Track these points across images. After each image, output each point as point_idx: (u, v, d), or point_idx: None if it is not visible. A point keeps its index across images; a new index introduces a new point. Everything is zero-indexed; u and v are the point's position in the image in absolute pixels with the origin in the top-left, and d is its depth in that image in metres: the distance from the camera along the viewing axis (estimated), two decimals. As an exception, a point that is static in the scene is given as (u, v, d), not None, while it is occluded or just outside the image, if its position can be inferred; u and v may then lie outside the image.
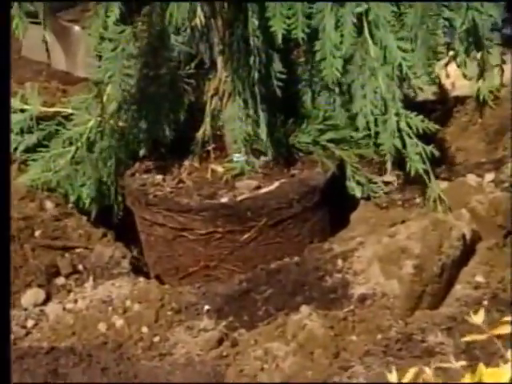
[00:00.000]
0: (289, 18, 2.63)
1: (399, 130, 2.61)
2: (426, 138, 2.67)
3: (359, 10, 2.60)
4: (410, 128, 2.60)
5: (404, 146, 2.61)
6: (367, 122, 2.63)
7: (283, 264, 2.54)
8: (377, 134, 2.64)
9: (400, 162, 2.69)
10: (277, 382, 2.10)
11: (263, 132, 2.72)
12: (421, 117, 2.62)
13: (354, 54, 2.62)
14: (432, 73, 2.74)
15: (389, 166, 2.67)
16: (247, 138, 2.76)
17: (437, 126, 2.64)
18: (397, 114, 2.61)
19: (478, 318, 1.33)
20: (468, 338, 1.37)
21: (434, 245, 2.32)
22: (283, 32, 2.60)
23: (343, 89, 2.74)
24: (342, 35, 2.61)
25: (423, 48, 2.68)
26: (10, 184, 2.63)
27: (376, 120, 2.62)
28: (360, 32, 2.62)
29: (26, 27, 2.91)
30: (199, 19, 2.64)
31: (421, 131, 2.61)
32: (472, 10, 2.70)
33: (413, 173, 2.62)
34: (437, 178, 2.79)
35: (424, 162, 2.61)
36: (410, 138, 2.61)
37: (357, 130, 2.74)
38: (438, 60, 2.81)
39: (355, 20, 2.59)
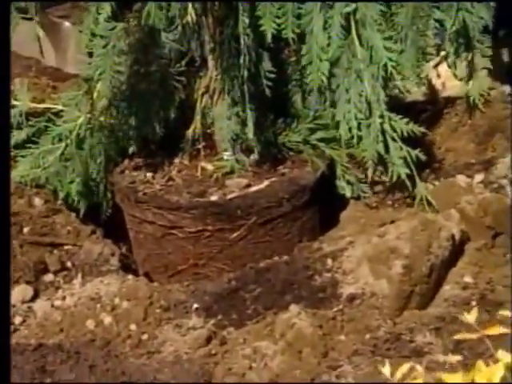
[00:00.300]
0: (279, 17, 2.63)
1: (383, 133, 2.61)
2: (414, 139, 2.67)
3: (348, 9, 2.60)
4: (395, 131, 2.60)
5: (387, 150, 2.61)
6: (349, 128, 2.62)
7: (272, 263, 2.54)
8: (360, 138, 2.63)
9: (386, 163, 2.69)
10: (265, 382, 2.10)
11: (250, 131, 2.73)
12: (405, 120, 2.61)
13: (340, 57, 2.62)
14: (421, 73, 2.75)
15: (370, 172, 2.67)
16: (235, 136, 2.76)
17: (422, 129, 2.63)
18: (381, 117, 2.60)
19: (471, 317, 1.33)
20: (459, 337, 1.38)
21: (423, 245, 2.33)
22: (273, 31, 2.60)
23: (331, 90, 2.74)
24: (329, 37, 2.61)
25: (413, 49, 2.68)
26: (10, 180, 2.63)
27: (359, 124, 2.62)
28: (347, 33, 2.62)
29: (17, 22, 2.90)
30: (190, 17, 2.64)
31: (405, 134, 2.60)
32: (462, 11, 2.71)
33: (395, 178, 2.62)
34: (426, 178, 2.80)
35: (408, 166, 2.60)
36: (394, 141, 2.60)
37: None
38: (428, 61, 2.81)
39: (343, 21, 2.59)
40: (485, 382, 1.27)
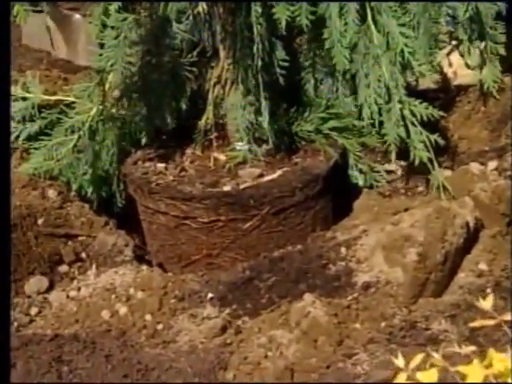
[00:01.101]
0: (292, 4, 2.62)
1: (403, 118, 2.61)
2: (429, 126, 2.67)
3: (362, -4, 2.60)
4: (414, 116, 2.60)
5: (408, 134, 2.61)
6: (371, 113, 2.63)
7: (286, 252, 2.54)
8: (381, 123, 2.64)
9: (402, 150, 2.69)
10: (281, 370, 2.10)
11: (265, 120, 2.72)
12: (425, 104, 2.62)
13: (357, 43, 2.62)
14: (434, 61, 2.74)
15: (393, 156, 2.67)
16: (249, 126, 2.76)
17: (441, 113, 2.65)
18: (400, 102, 2.61)
19: (487, 303, 1.32)
20: (476, 324, 1.37)
21: (438, 233, 2.32)
22: (287, 19, 2.59)
23: (346, 77, 2.74)
24: (345, 23, 2.60)
25: (425, 36, 2.68)
26: (10, 172, 2.64)
27: (380, 109, 2.62)
28: (363, 19, 2.61)
29: (28, 14, 2.90)
30: (202, 7, 2.64)
31: (425, 118, 2.60)
32: (476, -3, 2.70)
33: (417, 162, 2.62)
34: (440, 166, 2.79)
35: (428, 151, 2.61)
36: (414, 126, 2.61)
37: (359, 118, 2.74)
38: (440, 49, 2.80)
39: (358, 7, 2.59)
40: (502, 369, 1.26)
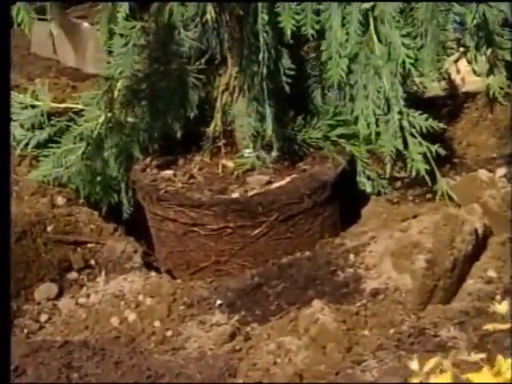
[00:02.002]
0: (298, 13, 2.63)
1: (402, 129, 2.60)
2: (436, 134, 2.67)
3: (366, 6, 2.60)
4: (413, 127, 2.60)
5: (406, 146, 2.60)
6: (368, 124, 2.62)
7: (295, 259, 2.54)
8: (378, 134, 2.63)
9: (406, 159, 2.68)
10: (290, 377, 2.11)
11: (269, 127, 2.73)
12: (424, 116, 2.61)
13: (358, 53, 2.62)
14: (441, 68, 2.74)
15: (388, 168, 2.66)
16: (255, 133, 2.77)
17: (441, 125, 2.62)
18: (399, 113, 2.60)
19: (502, 308, 1.32)
20: (489, 327, 1.37)
21: (446, 239, 2.32)
22: (292, 28, 2.60)
23: (350, 86, 2.73)
24: (347, 33, 2.61)
25: (433, 43, 2.68)
26: (10, 176, 2.65)
27: (377, 120, 2.61)
28: (366, 30, 2.62)
29: (32, 22, 2.92)
30: (210, 15, 2.65)
31: (424, 130, 2.59)
32: (482, 4, 2.70)
33: (413, 174, 2.61)
34: (448, 173, 2.79)
35: (428, 162, 2.60)
36: (414, 137, 2.60)
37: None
38: (448, 56, 2.80)
39: (361, 17, 2.59)
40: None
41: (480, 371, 1.31)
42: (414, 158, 2.60)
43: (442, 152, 2.62)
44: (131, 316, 2.39)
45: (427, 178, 2.61)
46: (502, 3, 2.68)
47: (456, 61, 2.98)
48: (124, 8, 2.91)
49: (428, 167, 2.60)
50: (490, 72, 2.86)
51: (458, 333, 2.15)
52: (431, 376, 1.32)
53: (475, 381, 1.28)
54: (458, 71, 3.04)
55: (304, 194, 2.69)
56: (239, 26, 2.73)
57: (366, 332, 2.21)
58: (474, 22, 2.68)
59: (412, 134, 2.60)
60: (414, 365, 1.27)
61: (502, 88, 2.85)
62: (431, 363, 1.26)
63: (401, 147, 2.60)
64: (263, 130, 2.76)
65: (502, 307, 1.31)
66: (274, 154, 2.79)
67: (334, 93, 2.83)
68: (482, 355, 1.38)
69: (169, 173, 2.86)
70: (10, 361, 1.95)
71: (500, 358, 1.30)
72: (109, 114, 2.93)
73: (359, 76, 2.63)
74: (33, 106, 3.08)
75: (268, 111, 2.73)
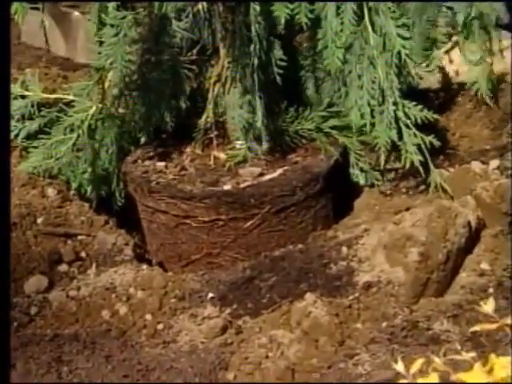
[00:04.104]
0: (291, 2, 2.61)
1: (396, 119, 2.58)
2: (429, 126, 2.65)
3: (360, -4, 2.58)
4: (408, 118, 2.58)
5: (400, 137, 2.59)
6: (362, 115, 2.60)
7: (287, 251, 2.53)
8: (373, 125, 2.61)
9: (400, 150, 2.67)
10: (282, 371, 2.09)
11: (258, 119, 2.71)
12: (419, 106, 2.59)
13: (353, 43, 2.60)
14: (432, 60, 2.72)
15: (382, 159, 2.64)
16: (246, 125, 2.74)
17: (436, 116, 2.61)
18: (394, 104, 2.58)
19: (489, 307, 1.31)
20: (477, 328, 1.35)
21: (440, 232, 2.31)
22: (286, 17, 2.58)
23: (344, 76, 2.72)
24: (342, 23, 2.59)
25: (420, 37, 2.66)
26: (10, 171, 2.63)
27: (372, 111, 2.60)
28: (360, 19, 2.59)
29: (26, 12, 2.89)
30: (201, 5, 2.63)
31: (419, 121, 2.58)
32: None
33: (407, 165, 2.60)
34: (441, 165, 2.78)
35: (422, 153, 2.58)
36: (408, 128, 2.58)
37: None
38: (439, 49, 2.79)
39: (355, 7, 2.57)
40: (504, 375, 1.24)
41: (471, 369, 1.29)
42: (409, 149, 2.58)
43: (437, 143, 2.60)
44: (122, 309, 2.37)
45: (421, 169, 2.60)
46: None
47: (449, 51, 2.96)
48: (115, -2, 2.88)
49: (422, 159, 2.59)
50: (482, 63, 2.83)
51: (451, 326, 2.14)
52: (418, 377, 1.29)
53: (467, 380, 1.26)
54: (452, 61, 3.02)
55: (296, 186, 2.67)
56: (232, 16, 2.71)
57: (359, 325, 2.20)
58: (471, 15, 2.66)
59: (407, 125, 2.59)
60: (399, 366, 1.24)
61: (490, 80, 2.83)
62: (418, 364, 1.24)
63: (395, 138, 2.59)
64: (255, 122, 2.74)
65: (488, 307, 1.29)
66: (265, 145, 2.77)
67: (327, 84, 2.81)
68: (474, 354, 1.36)
69: (160, 164, 2.83)
70: (9, 361, 1.93)
71: (492, 355, 1.28)
72: (100, 105, 2.91)
73: (354, 66, 2.61)
74: (23, 97, 3.05)
75: (258, 103, 2.70)
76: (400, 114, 2.59)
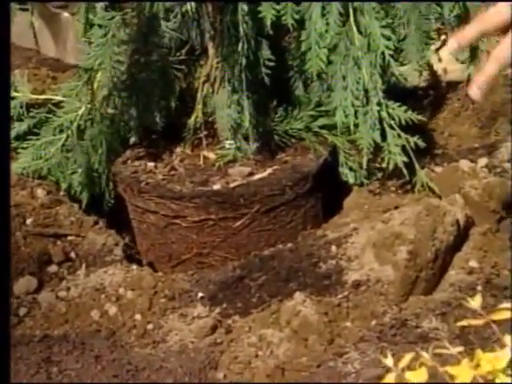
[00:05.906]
0: (278, 3, 2.61)
1: (380, 120, 2.59)
2: (417, 125, 2.65)
3: (346, -5, 2.58)
4: (393, 119, 2.58)
5: (384, 138, 2.59)
6: (346, 116, 2.60)
7: (277, 251, 2.53)
8: (356, 125, 2.61)
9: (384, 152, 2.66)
10: (271, 369, 2.10)
11: (246, 119, 2.71)
12: (404, 107, 2.59)
13: (338, 44, 2.60)
14: (425, 58, 2.73)
15: (365, 160, 2.64)
16: (235, 125, 2.75)
17: (420, 117, 2.60)
18: (379, 104, 2.58)
19: (476, 303, 1.31)
20: (464, 323, 1.36)
21: (428, 230, 2.31)
22: (272, 18, 2.58)
23: (329, 77, 2.72)
24: (327, 24, 2.59)
25: (417, 33, 2.67)
26: (10, 174, 2.62)
27: (356, 112, 2.60)
28: (345, 20, 2.60)
29: (14, 13, 2.89)
30: (190, 5, 2.63)
31: (403, 122, 2.58)
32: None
33: (391, 167, 2.60)
34: (429, 164, 2.78)
35: (407, 154, 2.58)
36: (392, 128, 2.58)
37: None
38: (429, 45, 2.79)
39: (341, 8, 2.57)
40: (490, 369, 1.25)
41: (459, 364, 1.30)
42: (392, 150, 2.58)
43: (422, 144, 2.60)
44: (112, 309, 2.37)
45: (405, 170, 2.59)
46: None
47: (438, 49, 2.97)
48: (103, -1, 2.88)
49: (406, 159, 2.59)
50: (472, 61, 2.84)
51: (440, 324, 2.15)
52: (406, 371, 1.30)
53: (454, 373, 1.27)
54: (440, 60, 3.03)
55: (286, 186, 2.68)
56: (220, 16, 2.71)
57: (348, 324, 2.21)
58: (454, 13, 2.67)
59: (391, 126, 2.59)
60: (388, 361, 1.26)
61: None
62: (407, 359, 1.25)
63: (378, 139, 2.58)
64: (242, 122, 2.74)
65: (475, 302, 1.30)
66: (253, 145, 2.77)
67: (316, 84, 2.81)
68: (462, 348, 1.37)
69: (150, 164, 2.83)
70: (9, 361, 1.93)
71: (479, 351, 1.29)
72: (89, 106, 2.91)
73: (338, 67, 2.61)
74: (12, 98, 3.05)
75: (246, 103, 2.71)
76: (384, 114, 2.60)
